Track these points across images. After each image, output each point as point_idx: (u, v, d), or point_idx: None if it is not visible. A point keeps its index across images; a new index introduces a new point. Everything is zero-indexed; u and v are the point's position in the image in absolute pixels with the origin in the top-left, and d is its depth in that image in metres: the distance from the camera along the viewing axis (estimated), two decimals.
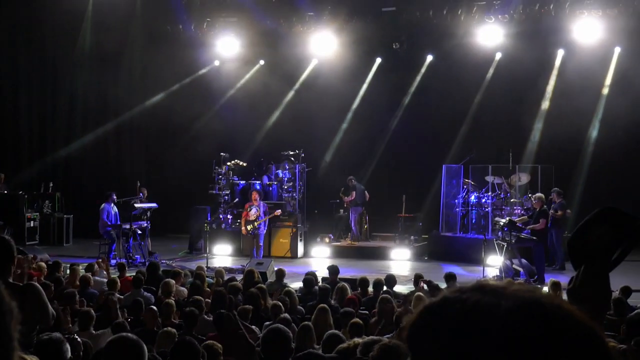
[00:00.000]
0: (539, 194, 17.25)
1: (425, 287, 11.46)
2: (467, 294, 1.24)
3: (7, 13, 23.08)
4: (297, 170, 21.34)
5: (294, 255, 19.69)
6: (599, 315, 2.26)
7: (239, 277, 13.47)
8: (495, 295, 1.22)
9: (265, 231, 19.23)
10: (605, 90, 21.86)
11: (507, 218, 17.35)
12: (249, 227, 18.88)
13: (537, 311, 1.19)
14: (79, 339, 6.03)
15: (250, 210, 19.04)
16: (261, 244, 19.00)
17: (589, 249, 2.26)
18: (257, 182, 21.56)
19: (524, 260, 16.18)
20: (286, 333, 5.71)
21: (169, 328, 7.47)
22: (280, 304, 9.29)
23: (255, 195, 19.29)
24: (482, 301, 1.21)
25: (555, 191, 18.27)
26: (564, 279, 10.74)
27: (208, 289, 11.27)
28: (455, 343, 1.19)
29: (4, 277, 4.58)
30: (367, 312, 10.08)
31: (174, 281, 11.03)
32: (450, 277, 12.58)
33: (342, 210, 21.92)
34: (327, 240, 20.83)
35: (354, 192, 20.97)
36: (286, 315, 8.56)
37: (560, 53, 22.13)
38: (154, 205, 19.65)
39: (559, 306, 1.22)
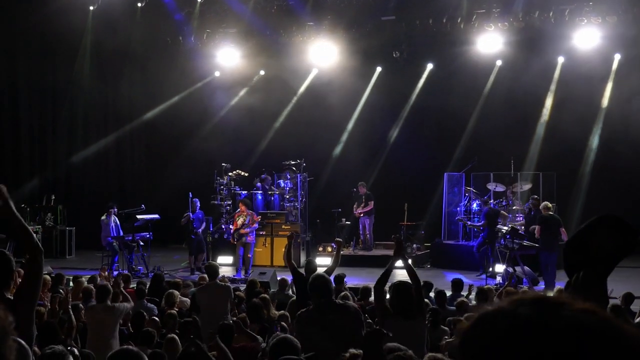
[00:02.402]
0: (543, 203, 17.25)
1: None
2: (523, 307, 1.22)
3: (6, 25, 23.11)
4: (298, 180, 21.36)
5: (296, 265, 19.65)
6: None
7: (243, 287, 13.47)
8: (551, 312, 1.20)
9: (254, 242, 19.15)
10: (606, 97, 21.87)
11: (510, 225, 17.37)
12: (235, 235, 18.90)
13: (591, 339, 1.16)
14: (77, 352, 6.04)
15: (238, 220, 19.03)
16: (250, 255, 18.88)
17: (590, 253, 2.25)
18: (259, 192, 21.60)
19: (526, 268, 16.20)
20: (293, 342, 5.71)
21: (172, 335, 7.49)
22: (287, 314, 9.30)
23: (240, 206, 19.26)
24: (535, 318, 1.19)
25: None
26: None
27: None
28: (503, 357, 1.18)
29: (2, 291, 4.52)
30: (371, 321, 10.06)
31: (177, 292, 11.03)
32: (457, 284, 12.60)
33: (344, 219, 21.89)
34: (329, 249, 20.80)
35: (372, 202, 20.95)
36: (284, 324, 8.58)
37: (560, 60, 22.14)
38: (156, 216, 19.66)
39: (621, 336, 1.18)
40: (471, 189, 20.93)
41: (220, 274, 15.26)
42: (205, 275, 12.55)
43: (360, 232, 21.50)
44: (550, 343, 1.15)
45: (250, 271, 17.90)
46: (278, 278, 14.22)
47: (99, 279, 13.46)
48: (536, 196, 18.87)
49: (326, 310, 6.71)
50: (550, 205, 17.32)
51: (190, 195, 19.81)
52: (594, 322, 1.18)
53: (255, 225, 19.03)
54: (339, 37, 22.28)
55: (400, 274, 17.80)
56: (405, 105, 24.09)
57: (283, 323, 8.79)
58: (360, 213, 21.02)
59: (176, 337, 7.39)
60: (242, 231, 18.68)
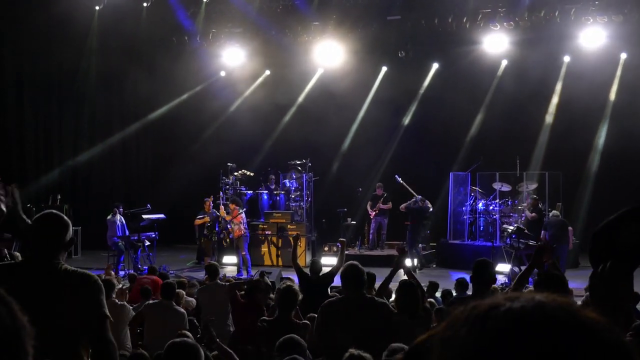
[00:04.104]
0: (552, 212, 17.65)
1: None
2: (492, 301, 1.21)
3: (12, 25, 23.13)
4: (304, 180, 21.35)
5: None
6: (621, 314, 2.20)
7: None
8: (508, 299, 1.19)
9: (246, 236, 19.20)
10: (612, 96, 21.84)
11: (515, 225, 17.37)
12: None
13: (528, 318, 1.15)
14: None
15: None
16: (245, 252, 18.92)
17: (617, 245, 2.20)
18: (265, 192, 21.61)
19: None
20: (300, 341, 5.72)
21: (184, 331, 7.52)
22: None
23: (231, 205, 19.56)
24: (494, 306, 1.19)
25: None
26: None
27: None
28: (469, 345, 1.17)
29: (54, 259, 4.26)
30: None
31: (183, 292, 11.04)
32: (461, 284, 12.58)
33: (349, 219, 21.91)
34: (334, 249, 20.79)
35: (390, 202, 21.07)
36: None
37: (566, 59, 22.12)
38: (161, 216, 19.68)
39: (575, 315, 1.15)
40: (477, 188, 20.92)
41: (224, 274, 15.34)
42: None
43: (371, 232, 21.51)
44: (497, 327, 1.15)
45: (252, 270, 17.98)
46: (283, 277, 14.24)
47: (103, 277, 13.48)
48: (535, 196, 18.97)
49: (355, 304, 6.62)
50: (557, 212, 17.60)
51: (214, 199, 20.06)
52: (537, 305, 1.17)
53: (242, 220, 19.15)
54: (345, 37, 22.27)
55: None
56: (410, 104, 24.09)
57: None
58: (377, 210, 21.11)
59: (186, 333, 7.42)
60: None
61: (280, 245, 20.24)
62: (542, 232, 17.12)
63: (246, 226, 19.30)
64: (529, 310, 1.16)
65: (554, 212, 17.83)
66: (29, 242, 4.15)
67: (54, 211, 4.26)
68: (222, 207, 20.08)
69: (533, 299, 1.18)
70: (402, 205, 20.25)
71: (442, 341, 1.23)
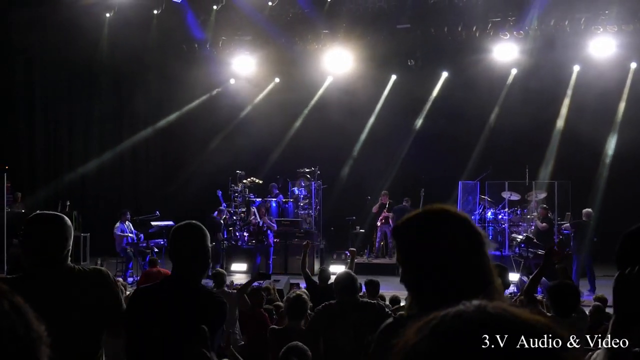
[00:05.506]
0: (586, 210, 17.44)
1: None
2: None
3: (22, 32, 23.22)
4: (313, 188, 21.34)
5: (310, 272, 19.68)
6: None
7: None
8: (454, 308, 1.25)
9: (273, 245, 19.29)
10: (622, 106, 21.77)
11: (525, 234, 17.32)
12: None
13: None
14: None
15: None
16: (270, 260, 18.99)
17: None
18: (273, 199, 21.61)
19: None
20: (304, 349, 5.71)
21: None
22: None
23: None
24: (441, 314, 1.24)
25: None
26: None
27: None
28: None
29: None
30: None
31: None
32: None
33: (358, 227, 21.89)
34: (343, 256, 20.76)
35: None
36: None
37: (576, 69, 22.07)
38: (170, 223, 19.67)
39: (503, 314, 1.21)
40: (486, 197, 20.86)
41: (236, 283, 15.32)
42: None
43: (377, 240, 21.47)
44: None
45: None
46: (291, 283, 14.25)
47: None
48: (545, 205, 18.91)
49: (350, 308, 6.67)
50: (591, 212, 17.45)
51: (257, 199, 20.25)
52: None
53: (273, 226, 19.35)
54: (354, 45, 22.26)
55: None
56: (420, 113, 24.06)
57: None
58: (383, 220, 21.11)
59: None
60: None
61: (288, 253, 20.22)
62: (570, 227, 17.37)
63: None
64: (471, 313, 1.21)
65: (587, 210, 17.53)
66: (30, 247, 4.06)
67: (55, 214, 4.21)
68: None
69: (475, 304, 1.24)
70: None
71: (398, 353, 1.27)
